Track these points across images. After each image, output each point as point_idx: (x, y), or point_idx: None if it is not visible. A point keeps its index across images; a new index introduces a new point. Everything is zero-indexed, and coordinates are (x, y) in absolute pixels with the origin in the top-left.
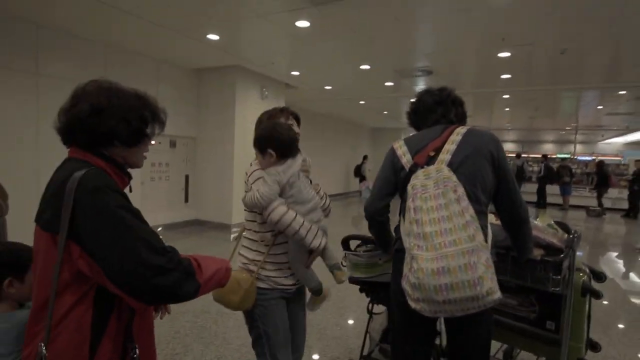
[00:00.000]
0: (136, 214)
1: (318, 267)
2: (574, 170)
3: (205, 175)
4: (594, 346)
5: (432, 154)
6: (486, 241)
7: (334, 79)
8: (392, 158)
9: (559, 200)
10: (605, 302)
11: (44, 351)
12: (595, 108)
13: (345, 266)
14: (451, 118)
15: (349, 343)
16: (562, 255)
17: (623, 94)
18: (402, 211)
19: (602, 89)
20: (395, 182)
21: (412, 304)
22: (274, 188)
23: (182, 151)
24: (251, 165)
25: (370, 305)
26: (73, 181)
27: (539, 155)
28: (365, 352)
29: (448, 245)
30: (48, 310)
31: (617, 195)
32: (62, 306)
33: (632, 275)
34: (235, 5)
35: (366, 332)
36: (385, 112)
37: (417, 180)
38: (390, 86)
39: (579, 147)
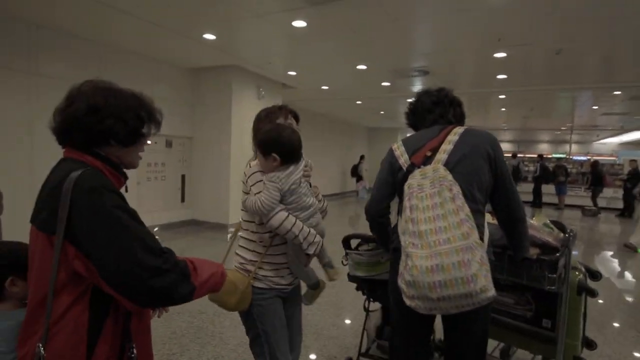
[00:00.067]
0: (132, 214)
1: (312, 264)
2: (569, 170)
3: (202, 175)
4: (589, 344)
5: (429, 153)
6: (482, 240)
7: (330, 79)
8: (391, 159)
9: (555, 200)
10: (600, 301)
11: (42, 351)
12: (591, 108)
13: (346, 265)
14: (449, 118)
15: (346, 342)
16: (558, 254)
17: (618, 94)
18: (400, 210)
19: (597, 89)
20: (394, 183)
21: (408, 302)
22: (275, 196)
23: (179, 151)
24: (249, 166)
25: (367, 303)
26: (69, 181)
27: (535, 155)
28: (362, 350)
29: (442, 243)
30: (44, 310)
31: (612, 195)
32: (59, 306)
33: (627, 275)
34: (232, 4)
35: (363, 329)
36: (381, 112)
37: (414, 179)
38: (387, 86)
39: (574, 147)
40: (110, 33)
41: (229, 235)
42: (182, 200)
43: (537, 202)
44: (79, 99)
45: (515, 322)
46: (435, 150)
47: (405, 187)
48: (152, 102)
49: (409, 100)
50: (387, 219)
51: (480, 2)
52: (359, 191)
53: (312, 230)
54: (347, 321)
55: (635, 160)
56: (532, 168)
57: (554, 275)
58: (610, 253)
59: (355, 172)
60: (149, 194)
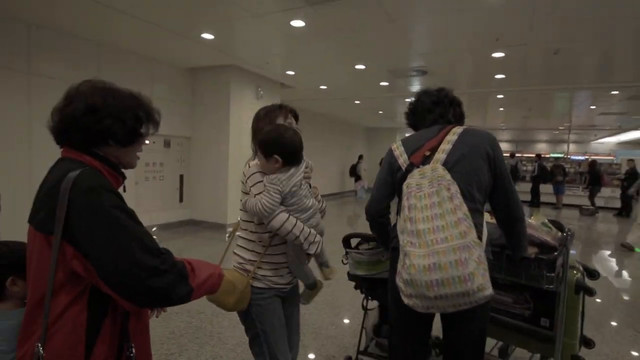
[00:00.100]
0: (131, 214)
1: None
2: (567, 170)
3: (200, 175)
4: (587, 343)
5: (427, 153)
6: (481, 239)
7: (329, 78)
8: (390, 159)
9: (553, 199)
10: (598, 300)
11: (41, 351)
12: (588, 108)
13: (346, 264)
14: (449, 118)
15: (344, 342)
16: (556, 253)
17: (615, 94)
18: (399, 210)
19: (595, 89)
20: (393, 182)
21: (405, 300)
22: (276, 198)
23: (177, 151)
24: (248, 165)
25: (365, 301)
26: (67, 181)
27: (533, 155)
28: (361, 348)
29: (440, 242)
30: (42, 310)
31: (610, 194)
32: (57, 306)
33: (625, 274)
34: (230, 4)
35: (362, 328)
36: (380, 112)
37: (413, 179)
38: (385, 86)
39: (572, 147)
40: (108, 33)
41: (227, 235)
42: (181, 200)
43: (535, 202)
44: (77, 99)
45: (514, 320)
46: (434, 150)
47: (404, 186)
48: (150, 102)
49: (408, 100)
50: (387, 218)
51: (479, 2)
52: (357, 191)
53: (313, 231)
54: (346, 320)
55: (632, 160)
56: (530, 168)
57: (552, 274)
58: (608, 252)
59: (354, 172)
60: (147, 193)
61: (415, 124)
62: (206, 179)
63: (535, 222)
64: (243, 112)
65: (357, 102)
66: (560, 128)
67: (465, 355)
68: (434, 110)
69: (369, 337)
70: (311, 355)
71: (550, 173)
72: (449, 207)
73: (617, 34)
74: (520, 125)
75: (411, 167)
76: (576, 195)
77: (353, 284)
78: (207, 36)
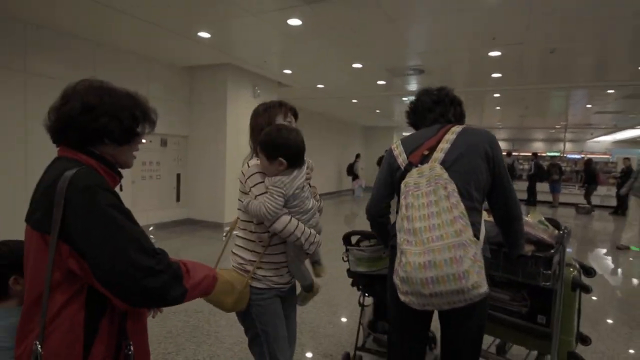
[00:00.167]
0: (127, 213)
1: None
2: (563, 168)
3: (197, 174)
4: (584, 340)
5: (426, 152)
6: (478, 237)
7: (326, 77)
8: (390, 159)
9: (549, 198)
10: (594, 298)
11: (40, 349)
12: (584, 107)
13: (346, 261)
14: (449, 117)
15: (342, 340)
16: (552, 251)
17: (611, 92)
18: (398, 208)
19: (591, 87)
20: (392, 182)
21: (402, 297)
22: (280, 201)
23: (174, 150)
24: (247, 165)
25: (362, 298)
26: (64, 180)
27: (530, 154)
28: (359, 344)
29: (435, 240)
30: (39, 308)
31: (606, 193)
32: (54, 305)
33: (620, 272)
34: (227, 3)
35: (359, 324)
36: (377, 111)
37: (411, 178)
38: (383, 85)
39: (568, 145)
40: (105, 32)
41: (224, 234)
42: (178, 199)
43: (532, 200)
44: (74, 98)
45: (511, 318)
46: (432, 149)
47: (402, 185)
48: (146, 101)
49: (405, 99)
50: (387, 218)
51: (476, 2)
52: (355, 190)
53: (313, 231)
54: (343, 319)
55: (628, 159)
56: (526, 166)
57: (549, 272)
58: (604, 250)
59: (351, 171)
60: (144, 193)
61: (415, 123)
62: (203, 178)
63: (532, 220)
64: (240, 111)
65: (354, 101)
66: (557, 127)
67: (463, 353)
68: (435, 110)
69: (366, 333)
70: (309, 354)
71: (546, 172)
72: (445, 205)
73: (613, 33)
74: (516, 124)
75: (410, 166)
76: (572, 193)
77: (350, 283)
78: (204, 35)
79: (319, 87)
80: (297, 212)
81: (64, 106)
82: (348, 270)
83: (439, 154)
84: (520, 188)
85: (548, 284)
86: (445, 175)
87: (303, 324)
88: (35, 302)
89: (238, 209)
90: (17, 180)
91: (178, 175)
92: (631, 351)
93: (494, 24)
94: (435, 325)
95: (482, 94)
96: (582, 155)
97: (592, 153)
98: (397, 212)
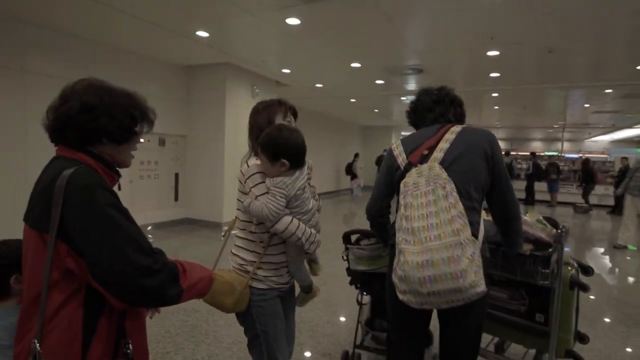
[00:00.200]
0: (125, 212)
1: None
2: (561, 168)
3: (196, 173)
4: (582, 338)
5: (425, 152)
6: (476, 237)
7: (324, 77)
8: (390, 159)
9: (547, 197)
10: (591, 297)
11: (38, 348)
12: (582, 106)
13: (346, 260)
14: (449, 117)
15: (340, 339)
16: (550, 250)
17: (609, 92)
18: (397, 208)
19: (589, 87)
20: (392, 182)
21: (400, 296)
22: (282, 202)
23: (172, 149)
24: (247, 165)
25: (360, 296)
26: (62, 179)
27: (528, 153)
28: (357, 342)
29: (433, 240)
30: (38, 307)
31: (604, 192)
32: (52, 304)
33: (618, 271)
34: (226, 1)
35: (357, 322)
36: (375, 110)
37: (410, 178)
38: (381, 84)
39: (566, 145)
40: (103, 31)
41: (222, 234)
42: (176, 198)
43: (530, 200)
44: (72, 98)
45: (510, 316)
46: (432, 149)
47: (401, 185)
48: (145, 101)
49: (403, 98)
50: (387, 218)
51: (475, 1)
52: (353, 189)
53: (313, 231)
54: (342, 318)
55: (626, 158)
56: (524, 166)
57: (547, 271)
58: (602, 249)
59: (350, 170)
60: (142, 192)
61: (416, 123)
62: (202, 177)
63: (531, 219)
64: (239, 110)
65: (352, 100)
66: (555, 126)
67: (462, 351)
68: (435, 109)
69: (364, 331)
70: (307, 354)
71: (544, 171)
72: (443, 205)
73: (611, 33)
74: (515, 124)
75: (409, 166)
76: (570, 193)
77: (349, 283)
78: (203, 34)
79: (317, 87)
80: (298, 212)
81: (62, 105)
82: (348, 269)
83: (438, 154)
84: (518, 187)
85: (546, 282)
86: (444, 175)
87: (302, 323)
88: (34, 301)
89: (237, 209)
90: (15, 179)
91: (176, 175)
92: (628, 349)
93: (492, 23)
94: (434, 324)
95: (481, 94)
96: (580, 155)
97: (590, 152)
98: (397, 212)
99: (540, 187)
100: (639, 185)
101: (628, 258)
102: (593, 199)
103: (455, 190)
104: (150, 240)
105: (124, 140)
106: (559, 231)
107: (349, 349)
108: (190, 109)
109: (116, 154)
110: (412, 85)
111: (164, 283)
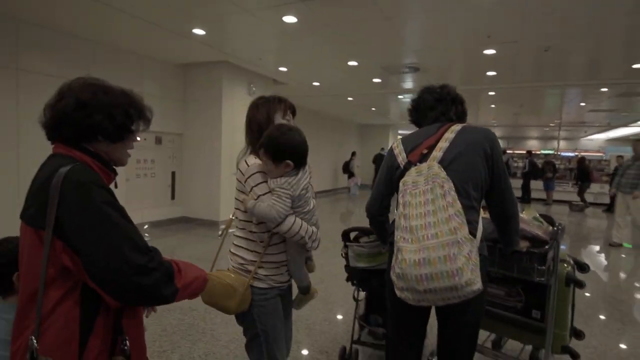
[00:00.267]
0: (121, 211)
1: None
2: (557, 166)
3: (193, 172)
4: (577, 334)
5: (425, 151)
6: (475, 235)
7: (322, 75)
8: (390, 158)
9: (543, 196)
10: (587, 294)
11: (35, 344)
12: (578, 105)
13: (345, 257)
14: (450, 116)
15: (337, 337)
16: (546, 247)
17: (605, 91)
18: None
19: (585, 86)
20: (392, 181)
21: (398, 293)
22: (288, 203)
23: (168, 148)
24: (246, 164)
25: (356, 292)
26: (59, 176)
27: (524, 151)
28: (355, 337)
29: (430, 238)
30: (34, 305)
31: (599, 190)
32: (48, 301)
33: (613, 268)
34: (224, 0)
35: (354, 318)
36: (373, 109)
37: (409, 177)
38: (378, 83)
39: (562, 143)
40: (96, 29)
41: (219, 233)
42: (173, 197)
43: (526, 198)
44: (68, 95)
45: (506, 313)
46: (431, 148)
47: (400, 184)
48: (141, 99)
49: (400, 96)
50: (386, 217)
51: (471, 0)
52: (350, 188)
53: (314, 229)
54: (339, 316)
55: (622, 156)
56: (521, 164)
57: (543, 267)
58: (597, 247)
59: (347, 169)
60: (138, 191)
61: (417, 121)
62: (199, 176)
63: (527, 217)
64: (235, 108)
65: (349, 98)
66: (551, 125)
67: (459, 348)
68: (436, 108)
69: (361, 327)
70: (305, 351)
71: (540, 169)
72: (441, 204)
73: (607, 32)
74: (511, 122)
75: (409, 165)
76: (566, 191)
77: (346, 280)
78: (199, 32)
79: (314, 85)
80: (301, 212)
81: (58, 103)
82: (346, 266)
83: (437, 153)
84: (514, 186)
85: (542, 279)
86: (443, 174)
87: (299, 321)
88: (30, 299)
89: (236, 209)
90: (9, 178)
91: (173, 173)
92: (622, 346)
93: (488, 22)
94: (431, 321)
95: (477, 92)
96: (576, 153)
97: (586, 151)
98: (396, 209)
99: (537, 185)
100: (630, 182)
101: (623, 256)
102: (588, 197)
103: (453, 189)
104: (146, 239)
105: (120, 138)
106: (555, 229)
107: (346, 345)
108: (186, 107)
109: (112, 151)
110: (409, 83)
111: (160, 282)
